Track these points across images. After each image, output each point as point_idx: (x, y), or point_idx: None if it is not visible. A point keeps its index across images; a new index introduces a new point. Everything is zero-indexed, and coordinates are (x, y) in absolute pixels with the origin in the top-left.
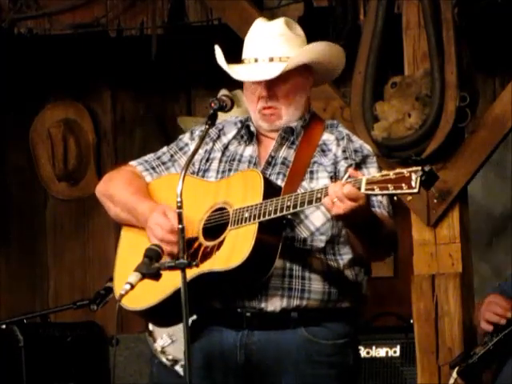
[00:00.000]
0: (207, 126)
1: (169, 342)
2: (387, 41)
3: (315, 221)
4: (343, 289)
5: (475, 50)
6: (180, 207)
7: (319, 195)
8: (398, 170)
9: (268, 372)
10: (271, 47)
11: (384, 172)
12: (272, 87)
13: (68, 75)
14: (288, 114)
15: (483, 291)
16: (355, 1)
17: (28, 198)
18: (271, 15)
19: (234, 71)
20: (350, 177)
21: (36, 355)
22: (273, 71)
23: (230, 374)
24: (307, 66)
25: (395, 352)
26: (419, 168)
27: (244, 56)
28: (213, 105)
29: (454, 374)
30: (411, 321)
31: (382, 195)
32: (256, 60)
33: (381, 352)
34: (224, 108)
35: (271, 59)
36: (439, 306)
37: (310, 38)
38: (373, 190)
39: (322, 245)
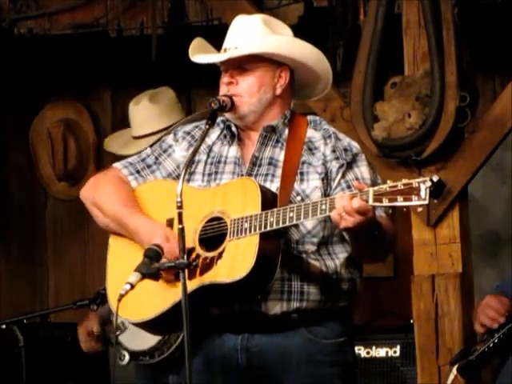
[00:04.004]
0: (207, 126)
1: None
2: (387, 41)
3: (307, 223)
4: (340, 288)
5: (475, 49)
6: (180, 207)
7: (324, 207)
8: (405, 181)
9: (270, 374)
10: (238, 38)
11: (391, 183)
12: (234, 75)
13: (68, 75)
14: (249, 104)
15: (483, 293)
16: (355, 1)
17: (28, 198)
18: (271, 15)
19: (195, 57)
20: (356, 189)
21: (36, 355)
22: (222, 56)
23: (232, 377)
24: (280, 63)
25: (395, 352)
26: (427, 178)
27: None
28: (213, 105)
29: (454, 371)
30: (411, 321)
31: (392, 207)
32: (225, 50)
33: (381, 352)
34: (224, 108)
35: (236, 48)
36: (439, 306)
37: (310, 38)
38: (381, 201)
39: (314, 247)
